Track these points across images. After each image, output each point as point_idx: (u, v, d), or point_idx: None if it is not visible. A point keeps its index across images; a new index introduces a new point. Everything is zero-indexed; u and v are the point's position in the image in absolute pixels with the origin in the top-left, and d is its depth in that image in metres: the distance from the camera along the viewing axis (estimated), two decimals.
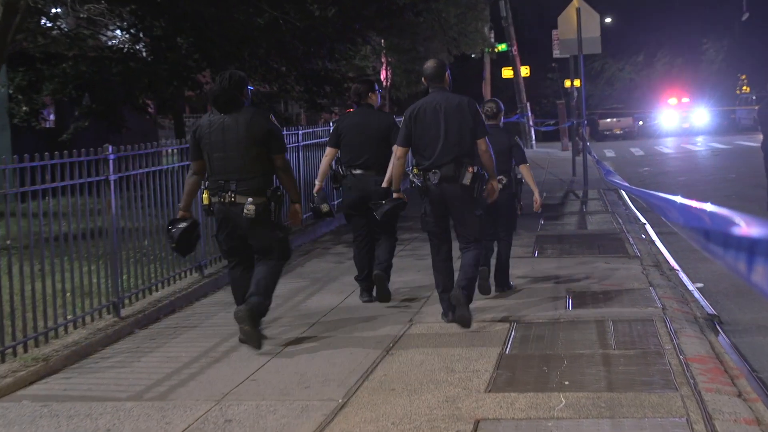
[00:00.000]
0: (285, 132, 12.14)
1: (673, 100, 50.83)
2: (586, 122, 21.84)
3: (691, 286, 9.11)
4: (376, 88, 8.85)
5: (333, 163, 8.70)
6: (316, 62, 19.13)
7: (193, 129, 7.21)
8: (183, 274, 9.62)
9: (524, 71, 39.87)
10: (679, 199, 4.45)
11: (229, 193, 6.89)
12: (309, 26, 16.42)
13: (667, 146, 36.39)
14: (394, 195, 7.83)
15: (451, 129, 7.37)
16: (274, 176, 7.02)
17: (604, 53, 51.33)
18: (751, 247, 2.61)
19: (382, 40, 28.66)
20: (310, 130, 14.67)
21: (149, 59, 17.47)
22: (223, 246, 7.20)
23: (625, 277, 9.32)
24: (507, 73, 40.81)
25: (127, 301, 8.39)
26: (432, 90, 7.57)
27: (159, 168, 9.18)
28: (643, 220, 14.10)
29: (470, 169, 7.34)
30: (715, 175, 21.80)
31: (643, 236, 12.41)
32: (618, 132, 46.79)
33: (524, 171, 8.91)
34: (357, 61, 26.47)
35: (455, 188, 7.37)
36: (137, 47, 17.72)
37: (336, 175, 8.67)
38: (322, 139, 13.98)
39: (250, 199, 6.84)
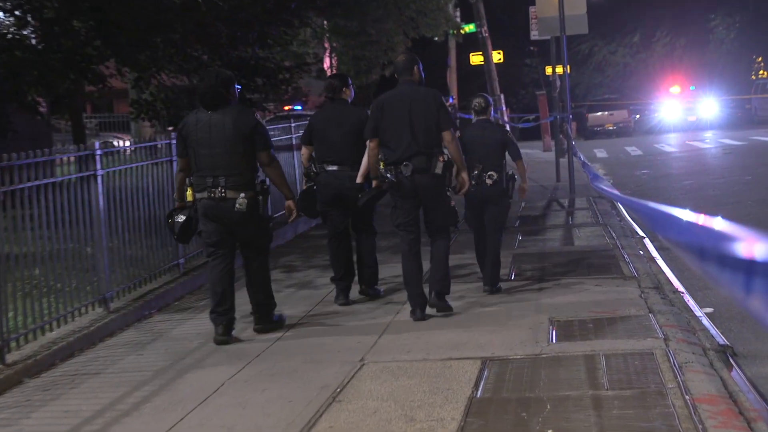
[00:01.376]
0: None
1: (675, 89, 51.47)
2: (571, 117, 22.08)
3: (698, 312, 9.21)
4: (350, 81, 10.35)
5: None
6: (245, 49, 19.07)
7: (179, 127, 8.83)
8: (83, 309, 9.55)
9: (497, 56, 40.16)
10: (679, 212, 4.47)
11: (219, 189, 8.51)
12: (234, 6, 16.41)
13: (670, 144, 36.83)
14: (374, 184, 9.33)
15: (417, 122, 8.92)
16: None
17: (592, 33, 51.78)
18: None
19: (325, 22, 28.68)
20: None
21: (39, 47, 17.32)
22: (209, 239, 8.71)
23: (620, 302, 9.40)
24: (476, 59, 41.10)
25: (14, 344, 8.30)
26: (401, 82, 9.16)
27: (53, 180, 9.12)
28: (641, 233, 14.25)
29: (441, 158, 8.97)
30: (727, 178, 22.11)
31: (641, 253, 12.52)
32: (611, 128, 47.30)
33: (520, 167, 10.25)
34: (294, 47, 26.44)
35: (428, 178, 8.97)
36: (24, 32, 17.56)
37: (308, 172, 10.11)
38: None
39: (242, 194, 8.49)
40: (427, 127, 8.92)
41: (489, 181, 10.03)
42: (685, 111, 47.53)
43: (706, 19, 55.92)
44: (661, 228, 4.88)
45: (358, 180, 9.70)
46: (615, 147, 37.31)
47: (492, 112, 10.20)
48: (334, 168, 9.94)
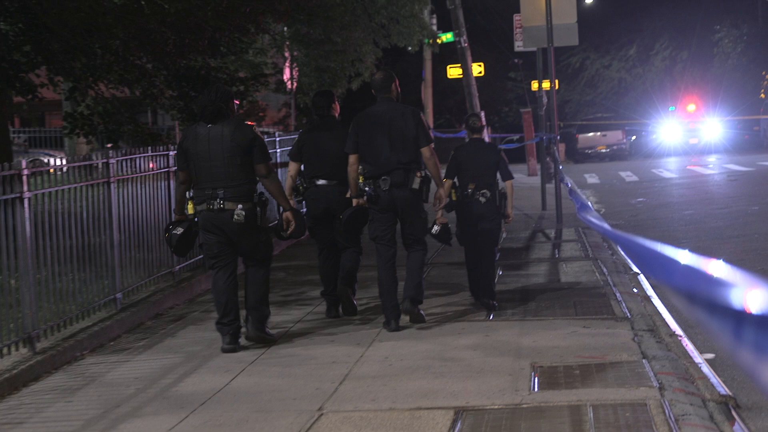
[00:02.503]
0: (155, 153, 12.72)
1: (675, 108, 51.71)
2: (559, 137, 22.15)
3: (698, 358, 9.23)
4: (335, 97, 11.75)
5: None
6: (194, 58, 19.08)
7: (180, 140, 10.16)
8: (5, 350, 9.47)
9: (477, 69, 40.30)
10: (676, 253, 4.46)
11: (218, 200, 9.71)
12: (182, 9, 16.39)
13: (669, 169, 37.05)
14: (354, 202, 10.58)
15: (395, 138, 10.38)
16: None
17: (583, 45, 52.27)
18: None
19: (285, 28, 28.74)
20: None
21: None
22: (210, 251, 9.93)
23: (611, 346, 9.42)
24: (454, 71, 41.23)
25: None
26: (380, 100, 10.64)
27: None
28: (635, 269, 14.30)
29: (418, 174, 10.44)
30: (732, 208, 22.26)
31: (635, 291, 12.58)
32: (603, 150, 47.57)
33: (509, 188, 11.74)
34: (251, 56, 26.48)
35: (405, 193, 10.43)
36: None
37: (297, 187, 11.38)
38: None
39: (240, 206, 9.71)
40: (405, 143, 10.40)
41: (482, 199, 11.49)
42: (686, 133, 47.74)
43: (710, 30, 56.26)
44: (655, 271, 4.87)
45: (349, 194, 10.79)
46: (608, 172, 37.50)
47: (487, 134, 11.10)
48: (324, 182, 11.26)
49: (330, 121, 11.50)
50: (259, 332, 10.08)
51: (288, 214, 10.17)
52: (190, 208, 9.99)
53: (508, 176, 11.81)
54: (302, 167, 11.49)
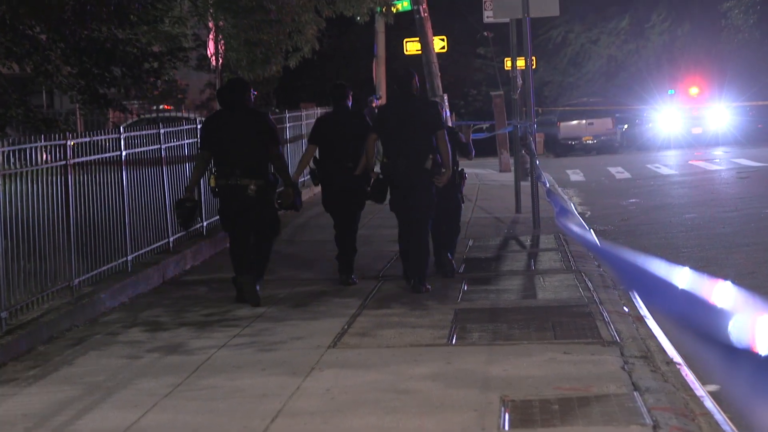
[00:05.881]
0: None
1: (675, 91, 51.89)
2: (536, 126, 22.13)
3: (700, 390, 9.26)
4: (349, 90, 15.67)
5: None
6: (98, 28, 18.99)
7: (204, 124, 14.76)
8: None
9: (439, 44, 40.31)
10: (672, 271, 4.45)
11: (235, 176, 13.44)
12: None
13: (667, 164, 37.25)
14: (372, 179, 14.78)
15: (414, 127, 14.10)
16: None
17: (565, 16, 52.40)
18: None
19: None
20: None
21: None
22: (227, 219, 13.88)
23: (596, 376, 9.45)
24: (412, 46, 41.26)
25: None
26: (402, 93, 14.64)
27: None
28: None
29: (430, 156, 14.00)
30: (742, 210, 22.41)
31: (626, 310, 12.62)
32: (590, 141, 47.70)
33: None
34: (167, 26, 26.32)
35: (418, 172, 14.01)
36: None
37: (314, 171, 15.28)
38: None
39: (253, 182, 13.46)
40: (423, 131, 14.12)
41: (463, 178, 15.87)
42: (687, 121, 47.83)
43: (716, 0, 56.46)
44: (646, 295, 4.87)
45: (357, 171, 14.63)
46: (595, 167, 37.65)
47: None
48: (349, 165, 14.78)
49: (350, 109, 15.53)
50: (249, 292, 13.54)
51: (289, 190, 14.22)
52: (212, 181, 13.77)
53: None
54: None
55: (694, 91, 51.77)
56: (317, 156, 15.46)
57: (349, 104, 15.45)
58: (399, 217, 14.54)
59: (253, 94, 14.16)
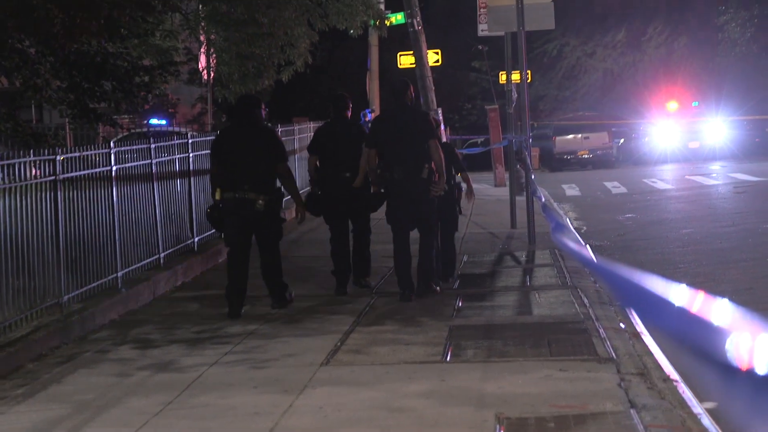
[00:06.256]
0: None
1: (672, 105, 51.99)
2: (531, 140, 22.11)
3: (697, 408, 9.22)
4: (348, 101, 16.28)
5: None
6: (87, 41, 18.94)
7: (215, 138, 15.05)
8: None
9: (433, 57, 40.38)
10: (668, 289, 4.39)
11: (244, 191, 13.89)
12: None
13: (664, 179, 37.31)
14: (372, 190, 15.13)
15: (409, 136, 14.50)
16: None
17: (561, 29, 52.46)
18: None
19: (200, 6, 28.60)
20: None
21: None
22: (231, 231, 14.17)
23: (592, 394, 9.41)
24: (406, 59, 41.29)
25: None
26: (397, 103, 15.02)
27: None
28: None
29: (426, 166, 14.39)
30: (740, 225, 22.41)
31: (622, 326, 12.57)
32: (585, 156, 47.75)
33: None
34: (158, 39, 26.30)
35: (415, 181, 14.42)
36: None
37: (316, 180, 15.77)
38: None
39: (261, 196, 13.92)
40: (418, 140, 14.48)
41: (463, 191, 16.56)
42: (684, 135, 47.89)
43: (713, 11, 56.51)
44: (643, 313, 4.81)
45: (356, 184, 15.15)
46: (591, 182, 37.70)
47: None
48: (348, 175, 15.35)
49: (350, 120, 16.36)
50: (281, 304, 14.33)
51: (300, 208, 14.94)
52: (217, 194, 14.12)
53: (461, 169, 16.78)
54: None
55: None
56: (317, 165, 15.89)
57: (349, 115, 16.10)
58: (395, 229, 14.79)
59: (265, 110, 14.72)
